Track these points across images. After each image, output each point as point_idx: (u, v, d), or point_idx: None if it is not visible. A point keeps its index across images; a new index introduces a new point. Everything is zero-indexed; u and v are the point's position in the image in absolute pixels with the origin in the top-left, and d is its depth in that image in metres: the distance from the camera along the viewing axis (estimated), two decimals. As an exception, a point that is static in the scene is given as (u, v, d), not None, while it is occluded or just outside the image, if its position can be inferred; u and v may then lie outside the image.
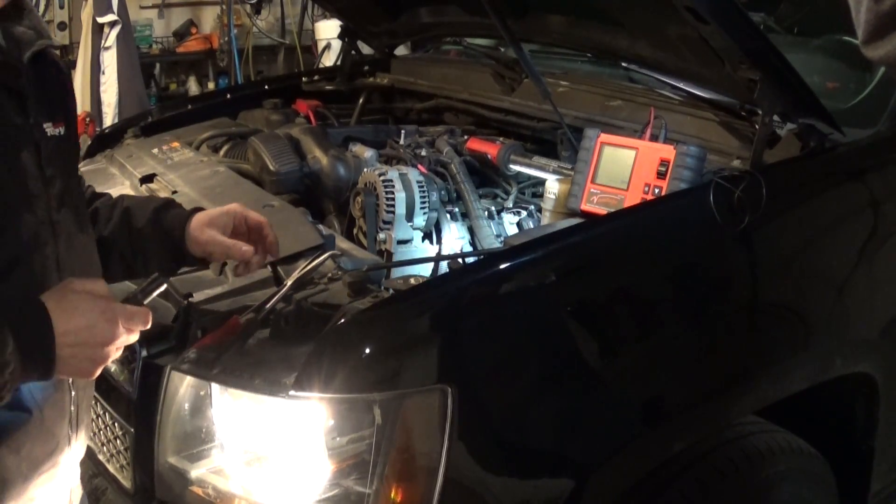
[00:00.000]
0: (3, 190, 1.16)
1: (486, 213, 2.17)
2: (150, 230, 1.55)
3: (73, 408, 1.31)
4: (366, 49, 3.04)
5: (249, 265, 1.55)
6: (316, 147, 2.35)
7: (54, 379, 1.20)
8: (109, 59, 5.42)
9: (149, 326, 1.24)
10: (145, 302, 1.26)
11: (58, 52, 1.41)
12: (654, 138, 1.83)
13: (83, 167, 2.58)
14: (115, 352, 1.20)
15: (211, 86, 6.60)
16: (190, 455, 1.49)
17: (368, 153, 2.35)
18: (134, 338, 1.23)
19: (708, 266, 1.65)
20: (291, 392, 1.33)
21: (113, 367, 1.66)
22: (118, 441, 1.65)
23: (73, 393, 1.30)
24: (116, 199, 1.62)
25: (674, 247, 1.62)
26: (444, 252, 2.11)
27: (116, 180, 2.38)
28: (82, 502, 1.45)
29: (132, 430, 1.58)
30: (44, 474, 1.27)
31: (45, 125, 1.26)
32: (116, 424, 1.65)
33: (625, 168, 1.80)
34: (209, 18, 6.68)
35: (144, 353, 1.56)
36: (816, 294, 1.77)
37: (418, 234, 2.09)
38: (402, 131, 2.58)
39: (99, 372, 1.20)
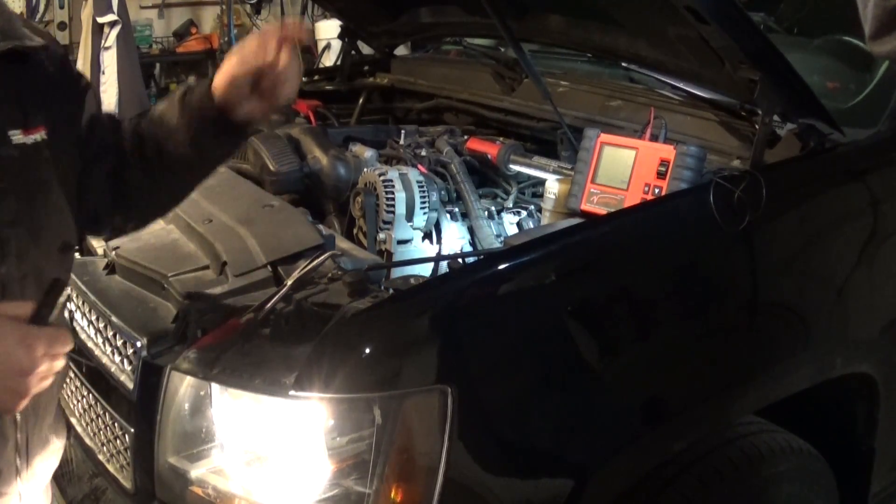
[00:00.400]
0: None
1: (486, 213, 2.18)
2: (184, 123, 1.43)
3: (19, 435, 1.25)
4: (366, 49, 3.03)
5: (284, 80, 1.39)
6: (316, 147, 2.35)
7: None
8: (109, 59, 5.43)
9: (71, 347, 1.14)
10: (53, 315, 1.16)
11: (58, 52, 1.34)
12: (654, 138, 1.83)
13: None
14: (40, 381, 1.11)
15: (211, 86, 6.59)
16: (190, 455, 1.49)
17: (368, 153, 2.35)
18: (59, 364, 1.13)
19: (708, 266, 1.65)
20: (291, 392, 1.33)
21: (113, 367, 1.66)
22: (118, 441, 1.65)
23: (19, 422, 1.25)
24: (144, 119, 1.50)
25: (674, 247, 1.62)
26: (444, 252, 2.11)
27: (116, 180, 2.37)
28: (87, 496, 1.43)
29: (132, 430, 1.58)
30: None
31: (10, 132, 1.19)
32: (116, 424, 1.65)
33: (625, 168, 1.80)
34: (209, 18, 6.68)
35: (144, 353, 1.56)
36: (816, 294, 1.77)
37: (418, 234, 2.09)
38: (402, 131, 2.58)
39: (22, 405, 1.11)
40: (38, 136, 1.23)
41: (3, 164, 1.18)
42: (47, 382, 1.13)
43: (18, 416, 1.25)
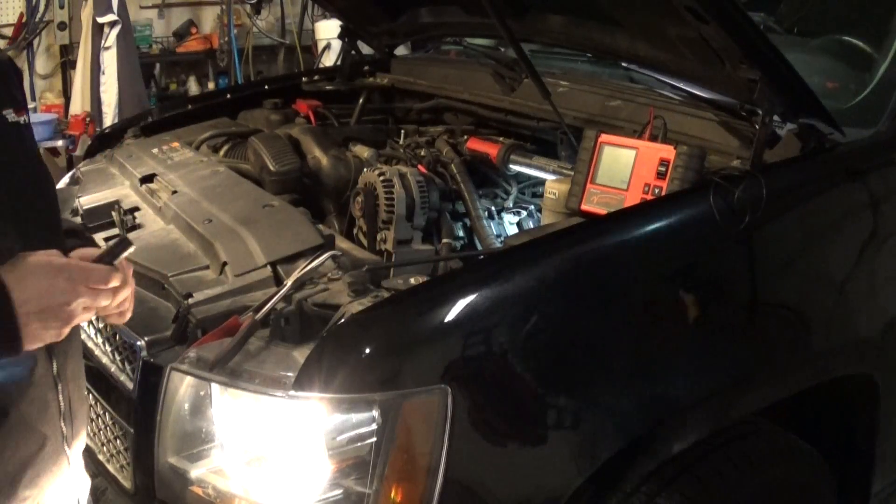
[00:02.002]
0: None
1: (486, 213, 2.17)
2: None
3: (61, 400, 1.29)
4: (366, 49, 3.03)
5: None
6: (316, 147, 2.36)
7: (31, 375, 1.20)
8: (109, 59, 5.42)
9: (113, 285, 1.22)
10: (114, 263, 1.25)
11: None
12: (654, 138, 1.83)
13: (83, 167, 2.58)
14: (84, 313, 1.19)
15: (211, 86, 6.59)
16: (190, 455, 1.49)
17: (368, 153, 2.35)
18: (104, 301, 1.21)
19: (708, 266, 1.65)
20: (291, 392, 1.33)
21: (113, 368, 1.66)
22: (118, 441, 1.65)
23: (59, 386, 1.28)
24: None
25: (674, 247, 1.62)
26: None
27: (116, 180, 2.38)
28: (92, 491, 1.43)
29: (132, 430, 1.58)
30: (35, 472, 1.26)
31: (4, 112, 1.25)
32: (116, 424, 1.65)
33: (625, 168, 1.80)
34: (209, 18, 6.68)
35: (144, 353, 1.56)
36: (816, 294, 1.77)
37: (418, 234, 2.09)
38: (402, 131, 2.58)
39: (64, 333, 1.18)
40: (23, 118, 1.30)
41: (6, 141, 1.24)
42: (89, 315, 1.21)
43: (61, 384, 1.29)
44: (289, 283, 1.54)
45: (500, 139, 2.36)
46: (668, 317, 1.59)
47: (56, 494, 1.32)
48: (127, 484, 1.61)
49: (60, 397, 1.29)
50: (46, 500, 1.30)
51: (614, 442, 1.49)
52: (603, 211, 1.80)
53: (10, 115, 1.27)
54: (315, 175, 2.31)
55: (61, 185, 2.53)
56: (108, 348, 1.69)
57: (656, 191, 1.74)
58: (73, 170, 2.63)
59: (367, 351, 1.34)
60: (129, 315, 1.31)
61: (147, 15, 6.38)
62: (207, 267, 1.76)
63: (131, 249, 1.28)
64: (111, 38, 5.40)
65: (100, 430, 1.73)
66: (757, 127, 1.75)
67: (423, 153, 2.33)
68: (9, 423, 1.21)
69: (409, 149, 2.39)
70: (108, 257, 1.26)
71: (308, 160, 2.33)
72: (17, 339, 1.12)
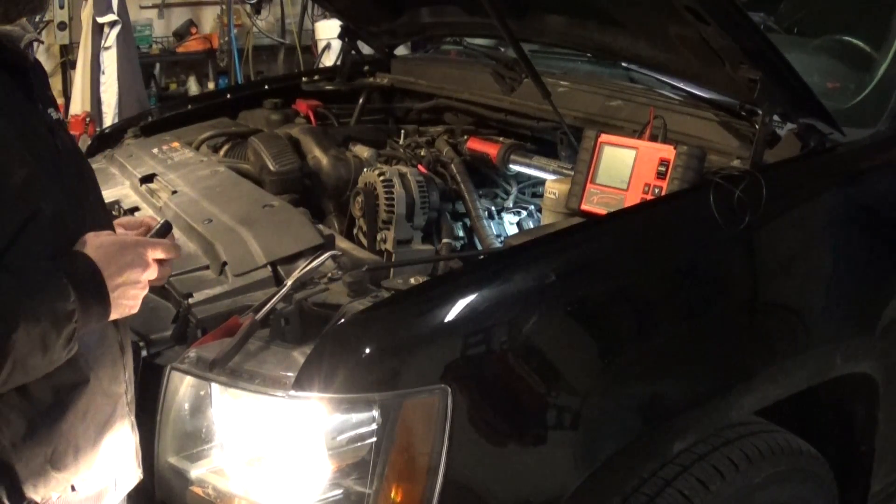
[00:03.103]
0: (40, 174, 1.20)
1: (486, 213, 2.17)
2: None
3: (125, 369, 1.36)
4: (366, 49, 3.04)
5: None
6: (316, 147, 2.36)
7: (103, 342, 1.29)
8: (109, 59, 5.43)
9: (173, 256, 1.35)
10: None
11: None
12: (654, 138, 1.83)
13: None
14: (150, 282, 1.32)
15: (211, 86, 6.60)
16: (190, 455, 1.49)
17: (368, 153, 2.35)
18: (164, 271, 1.34)
19: (708, 266, 1.65)
20: (291, 392, 1.33)
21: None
22: (118, 441, 1.65)
23: (124, 355, 1.36)
24: None
25: (674, 247, 1.62)
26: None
27: (116, 180, 2.38)
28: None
29: (132, 430, 1.58)
30: (108, 435, 1.33)
31: (49, 110, 1.32)
32: (116, 424, 1.65)
33: (625, 168, 1.80)
34: (209, 18, 6.69)
35: (144, 353, 1.56)
36: (816, 294, 1.77)
37: (418, 234, 2.09)
38: (402, 131, 2.58)
39: (140, 300, 1.31)
40: (60, 116, 1.37)
41: (59, 136, 1.30)
42: (156, 280, 1.34)
43: (124, 353, 1.37)
44: (289, 283, 1.54)
45: (500, 139, 2.36)
46: (667, 317, 1.59)
47: (122, 456, 1.39)
48: (127, 484, 1.61)
49: (124, 365, 1.37)
50: (115, 461, 1.37)
51: (614, 442, 1.49)
52: (603, 211, 1.80)
53: (54, 114, 1.34)
54: (315, 175, 2.31)
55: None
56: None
57: (656, 191, 1.74)
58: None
59: (367, 351, 1.34)
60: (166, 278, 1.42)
61: (147, 15, 6.38)
62: (207, 267, 1.76)
63: (171, 231, 1.43)
64: (111, 38, 5.40)
65: (100, 430, 1.73)
66: (757, 127, 1.75)
67: (423, 153, 2.33)
68: (90, 388, 1.29)
69: (409, 149, 2.39)
70: (157, 237, 1.39)
71: (308, 160, 2.33)
72: (108, 310, 1.24)
